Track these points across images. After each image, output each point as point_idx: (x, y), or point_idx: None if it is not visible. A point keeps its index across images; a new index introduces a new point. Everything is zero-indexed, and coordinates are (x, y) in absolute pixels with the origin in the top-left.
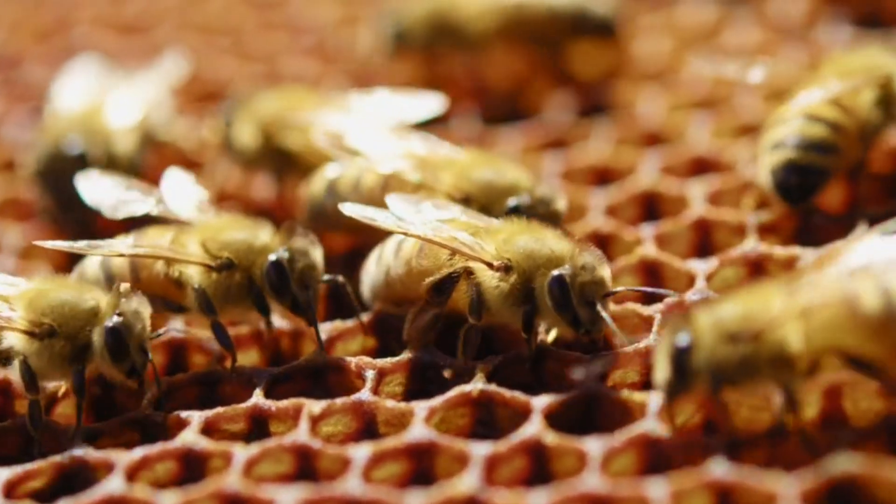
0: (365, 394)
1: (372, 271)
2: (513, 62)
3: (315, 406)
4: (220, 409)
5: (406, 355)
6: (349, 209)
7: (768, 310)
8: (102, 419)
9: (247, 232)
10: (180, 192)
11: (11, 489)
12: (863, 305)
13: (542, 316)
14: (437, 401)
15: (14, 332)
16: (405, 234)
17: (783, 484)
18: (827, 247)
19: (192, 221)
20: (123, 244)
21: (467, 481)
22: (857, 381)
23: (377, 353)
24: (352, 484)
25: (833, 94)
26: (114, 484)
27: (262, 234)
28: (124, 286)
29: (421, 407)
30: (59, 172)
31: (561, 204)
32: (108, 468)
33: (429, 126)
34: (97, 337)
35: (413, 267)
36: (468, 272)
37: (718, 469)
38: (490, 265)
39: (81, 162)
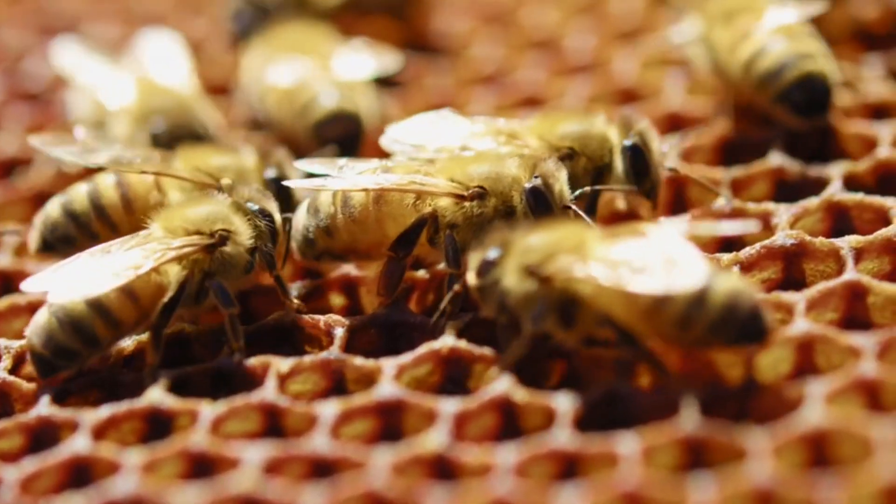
0: (334, 352)
1: (305, 223)
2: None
3: (283, 364)
4: (186, 368)
5: (375, 313)
6: (294, 183)
7: (568, 256)
8: (69, 379)
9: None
10: None
11: None
12: (637, 291)
13: None
14: (406, 358)
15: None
16: (366, 189)
17: (754, 438)
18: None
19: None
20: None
21: (436, 438)
22: (830, 336)
23: (346, 311)
24: (319, 441)
25: (801, 17)
26: (79, 443)
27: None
28: None
29: (390, 364)
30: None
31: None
32: (74, 427)
33: None
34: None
35: (371, 213)
36: (433, 217)
37: (689, 424)
38: (462, 197)
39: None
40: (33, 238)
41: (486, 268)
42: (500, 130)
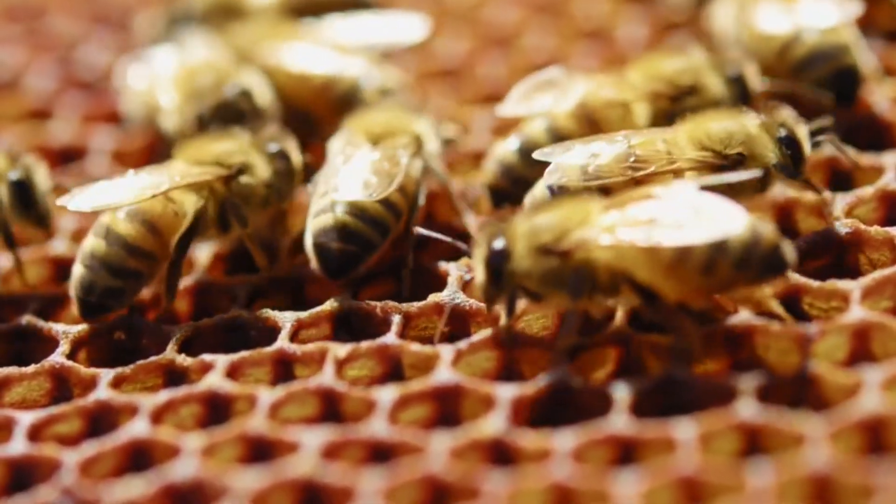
0: (390, 337)
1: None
2: None
3: (340, 350)
4: (244, 353)
5: (432, 299)
6: (542, 153)
7: (583, 229)
8: (126, 364)
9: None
10: None
11: (37, 433)
12: (661, 251)
13: None
14: (463, 344)
15: None
16: (633, 178)
17: (811, 425)
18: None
19: None
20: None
21: (493, 423)
22: (886, 323)
23: (399, 297)
24: (377, 426)
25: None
26: (138, 427)
27: None
28: None
29: (447, 350)
30: None
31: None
32: (133, 412)
33: None
34: None
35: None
36: None
37: (746, 411)
38: (721, 168)
39: None
40: (77, 308)
41: (495, 260)
42: (601, 78)
